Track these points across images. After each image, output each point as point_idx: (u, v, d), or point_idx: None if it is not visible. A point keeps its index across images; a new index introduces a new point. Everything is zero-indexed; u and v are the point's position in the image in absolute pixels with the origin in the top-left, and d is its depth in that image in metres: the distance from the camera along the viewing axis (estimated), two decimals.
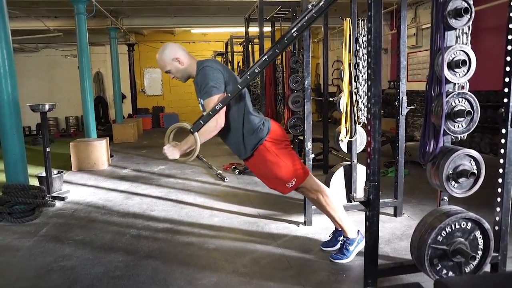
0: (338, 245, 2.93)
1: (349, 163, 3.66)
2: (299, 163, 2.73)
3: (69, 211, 4.22)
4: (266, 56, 2.39)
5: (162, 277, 2.67)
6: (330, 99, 5.38)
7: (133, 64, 13.25)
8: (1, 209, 3.89)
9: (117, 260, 2.95)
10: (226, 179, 5.30)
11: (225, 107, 2.47)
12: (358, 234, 2.84)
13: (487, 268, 2.17)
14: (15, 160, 4.02)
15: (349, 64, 3.39)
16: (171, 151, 2.52)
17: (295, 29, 2.34)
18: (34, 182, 4.65)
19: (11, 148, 3.99)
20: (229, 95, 2.44)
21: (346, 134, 3.57)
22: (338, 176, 3.71)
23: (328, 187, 3.67)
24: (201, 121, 2.44)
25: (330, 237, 3.04)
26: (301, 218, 3.63)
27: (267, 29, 6.36)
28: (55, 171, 4.96)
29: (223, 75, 2.55)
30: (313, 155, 3.51)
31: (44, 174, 4.73)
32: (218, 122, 2.49)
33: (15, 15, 8.70)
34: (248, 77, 2.43)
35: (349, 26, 3.34)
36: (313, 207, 3.44)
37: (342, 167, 3.72)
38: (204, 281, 2.60)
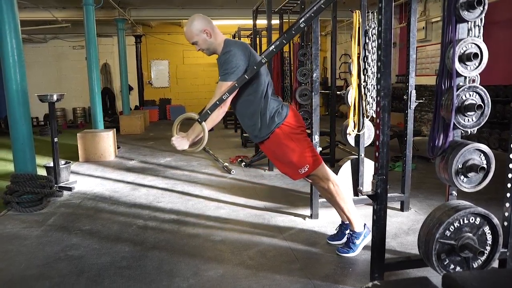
0: (345, 239, 2.92)
1: (356, 156, 3.65)
2: (314, 150, 2.74)
3: (76, 201, 4.25)
4: (273, 47, 2.37)
5: (168, 268, 2.68)
6: (338, 92, 5.36)
7: (140, 56, 13.25)
8: (10, 198, 3.92)
9: (123, 251, 2.97)
10: (233, 172, 5.30)
11: (235, 92, 2.49)
12: (364, 227, 2.84)
13: (495, 264, 2.15)
14: (24, 150, 4.05)
15: (358, 57, 3.36)
16: (180, 142, 2.53)
17: (302, 19, 2.32)
18: (42, 172, 4.68)
19: (19, 137, 4.02)
20: (236, 85, 2.44)
21: (354, 128, 3.54)
22: (345, 169, 3.69)
23: None
24: (208, 111, 2.44)
25: (337, 230, 3.04)
26: (307, 211, 3.62)
27: (275, 21, 6.32)
28: (62, 162, 4.99)
29: (246, 63, 2.52)
30: (320, 149, 3.49)
31: (51, 165, 4.76)
32: (222, 108, 2.50)
33: (24, 6, 8.72)
34: (255, 68, 2.43)
35: (359, 18, 3.31)
36: (320, 200, 3.44)
37: (349, 160, 3.71)
38: (210, 272, 2.61)
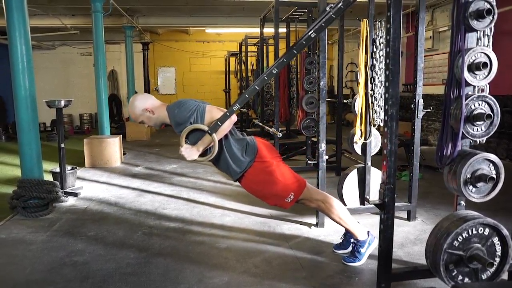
0: (350, 248, 2.90)
1: (363, 165, 3.63)
2: (294, 176, 2.70)
3: (82, 207, 4.26)
4: (284, 58, 2.37)
5: (173, 275, 2.67)
6: (344, 101, 5.35)
7: (147, 63, 13.32)
8: (16, 203, 3.94)
9: (128, 257, 2.96)
10: None
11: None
12: (368, 235, 2.81)
13: (505, 276, 2.12)
14: (31, 155, 4.07)
15: (365, 66, 3.35)
16: (189, 152, 2.52)
17: (312, 30, 2.32)
18: (48, 177, 4.70)
19: (27, 143, 4.04)
20: (246, 95, 2.45)
21: (361, 136, 3.53)
22: (352, 178, 3.68)
23: (342, 188, 3.65)
24: (218, 123, 2.44)
25: (342, 239, 3.01)
26: (313, 220, 3.60)
27: (282, 30, 6.35)
28: (68, 167, 5.00)
29: (195, 102, 2.56)
30: (326, 157, 3.48)
31: (58, 170, 4.77)
32: (231, 119, 2.49)
33: (34, 13, 8.81)
34: (266, 78, 2.43)
35: (366, 27, 3.31)
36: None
37: (356, 169, 3.69)
38: (216, 280, 2.59)
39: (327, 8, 2.34)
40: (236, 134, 2.69)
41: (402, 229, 3.42)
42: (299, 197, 2.68)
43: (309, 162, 5.35)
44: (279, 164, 2.69)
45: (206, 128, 2.47)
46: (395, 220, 3.36)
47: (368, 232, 2.83)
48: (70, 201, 4.45)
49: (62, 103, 4.67)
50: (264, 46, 7.89)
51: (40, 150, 4.19)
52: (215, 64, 13.86)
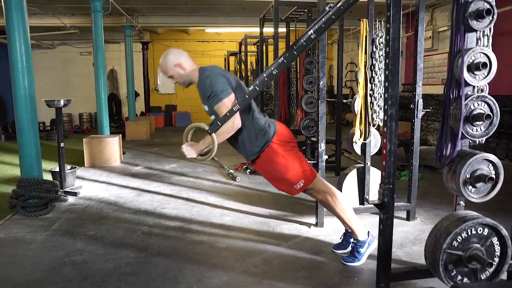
0: (350, 248, 2.90)
1: (362, 165, 3.63)
2: (307, 165, 2.72)
3: (81, 206, 4.26)
4: (283, 58, 2.37)
5: (173, 275, 2.67)
6: (344, 100, 5.35)
7: (147, 62, 13.33)
8: (15, 202, 3.94)
9: (128, 257, 2.96)
10: (238, 179, 5.30)
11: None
12: (368, 235, 2.82)
13: (504, 276, 2.12)
14: (30, 155, 4.07)
15: (365, 66, 3.35)
16: (189, 150, 2.57)
17: (312, 31, 2.32)
18: (48, 177, 4.70)
19: (26, 142, 4.04)
20: (247, 96, 2.45)
21: (360, 136, 3.53)
22: (351, 178, 3.68)
23: (341, 189, 3.65)
24: (218, 123, 2.45)
25: (341, 239, 3.01)
26: (312, 220, 3.60)
27: (281, 29, 6.34)
28: (68, 167, 5.00)
29: (227, 79, 2.55)
30: (326, 157, 3.48)
31: (57, 169, 4.77)
32: (235, 122, 2.50)
33: (33, 12, 8.81)
34: (266, 79, 2.43)
35: (366, 27, 3.31)
36: (325, 208, 3.42)
37: (355, 169, 3.69)
38: (215, 279, 2.59)
39: (327, 8, 2.34)
40: (260, 114, 2.70)
41: (402, 229, 3.42)
42: (308, 186, 2.69)
43: (308, 161, 5.36)
44: (294, 150, 2.72)
45: (206, 128, 2.49)
46: (395, 220, 3.36)
47: (368, 232, 2.83)
48: (69, 200, 4.45)
49: (62, 102, 4.67)
50: (264, 46, 7.89)
51: (40, 149, 4.19)
52: (215, 64, 13.84)
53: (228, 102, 2.48)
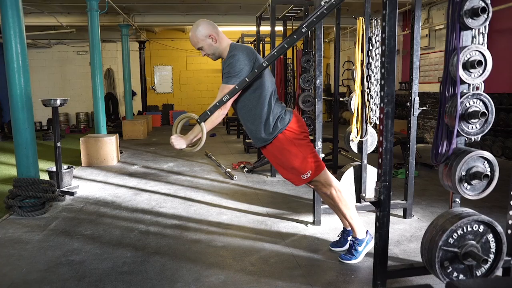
0: (347, 246, 2.91)
1: (359, 163, 3.64)
2: (316, 156, 2.72)
3: (78, 206, 4.25)
4: (275, 51, 2.39)
5: (170, 274, 2.67)
6: (341, 99, 5.37)
7: (143, 61, 13.31)
8: (12, 202, 3.93)
9: (125, 256, 2.96)
10: (235, 178, 5.30)
11: (236, 95, 2.50)
12: (367, 234, 2.82)
13: (499, 272, 2.13)
14: (27, 155, 4.06)
15: (362, 64, 3.36)
16: (178, 141, 2.56)
17: (305, 24, 2.33)
18: (45, 176, 4.69)
19: (23, 142, 4.03)
20: (236, 87, 2.45)
21: (357, 134, 3.54)
22: (348, 176, 3.69)
23: None
24: (208, 112, 2.47)
25: (339, 237, 3.02)
26: (309, 218, 3.61)
27: (278, 28, 6.34)
28: (65, 166, 4.99)
29: (251, 67, 2.52)
30: (323, 155, 3.49)
31: (54, 169, 4.76)
32: (221, 111, 2.52)
33: (29, 11, 8.79)
34: (256, 71, 2.45)
35: (362, 25, 3.32)
36: (322, 206, 3.43)
37: (352, 167, 3.70)
38: (212, 278, 2.60)
39: (322, 3, 2.35)
40: (277, 101, 2.69)
41: (398, 227, 3.43)
42: (315, 178, 2.69)
43: None
44: (306, 140, 2.71)
45: (196, 117, 2.50)
46: (392, 218, 3.39)
47: (367, 231, 2.84)
48: (66, 200, 4.44)
49: (58, 102, 4.66)
50: (261, 44, 7.89)
51: (36, 149, 4.18)
52: (212, 63, 13.81)
53: (230, 88, 2.48)
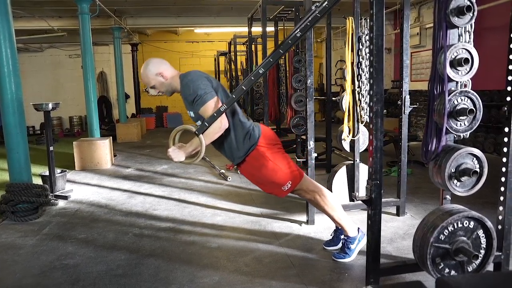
0: (340, 244, 2.92)
1: (352, 162, 3.66)
2: (293, 165, 2.72)
3: (72, 210, 4.24)
4: (270, 57, 2.39)
5: (164, 276, 2.67)
6: (333, 98, 5.38)
7: (136, 64, 13.28)
8: (5, 207, 3.91)
9: (119, 259, 2.96)
10: (229, 179, 5.30)
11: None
12: (358, 231, 2.84)
13: (490, 267, 2.16)
14: (19, 159, 4.04)
15: (352, 63, 3.38)
16: (177, 153, 2.53)
17: (298, 29, 2.33)
18: (38, 181, 4.67)
19: (15, 147, 4.01)
20: (233, 96, 2.44)
21: (349, 133, 3.56)
22: (341, 175, 3.70)
23: (331, 186, 3.68)
24: (205, 123, 2.44)
25: (332, 236, 3.04)
26: (303, 217, 3.63)
27: (270, 28, 6.36)
28: (58, 170, 4.97)
29: (209, 81, 2.55)
30: (315, 154, 3.50)
31: (47, 173, 4.74)
32: (222, 123, 2.48)
33: (19, 15, 8.74)
34: (253, 78, 2.43)
35: (352, 25, 3.34)
36: (315, 207, 3.44)
37: (345, 166, 3.72)
38: (206, 279, 2.60)
39: (313, 7, 2.36)
40: (243, 117, 2.69)
41: (392, 225, 3.45)
42: (296, 187, 2.69)
43: (298, 160, 5.39)
44: (280, 152, 2.71)
45: (193, 129, 2.47)
46: (385, 216, 3.41)
47: (358, 228, 2.86)
48: (60, 204, 4.43)
49: (50, 106, 4.64)
50: (253, 45, 7.90)
51: (28, 153, 4.16)
52: (205, 64, 13.84)
53: (212, 103, 2.46)
